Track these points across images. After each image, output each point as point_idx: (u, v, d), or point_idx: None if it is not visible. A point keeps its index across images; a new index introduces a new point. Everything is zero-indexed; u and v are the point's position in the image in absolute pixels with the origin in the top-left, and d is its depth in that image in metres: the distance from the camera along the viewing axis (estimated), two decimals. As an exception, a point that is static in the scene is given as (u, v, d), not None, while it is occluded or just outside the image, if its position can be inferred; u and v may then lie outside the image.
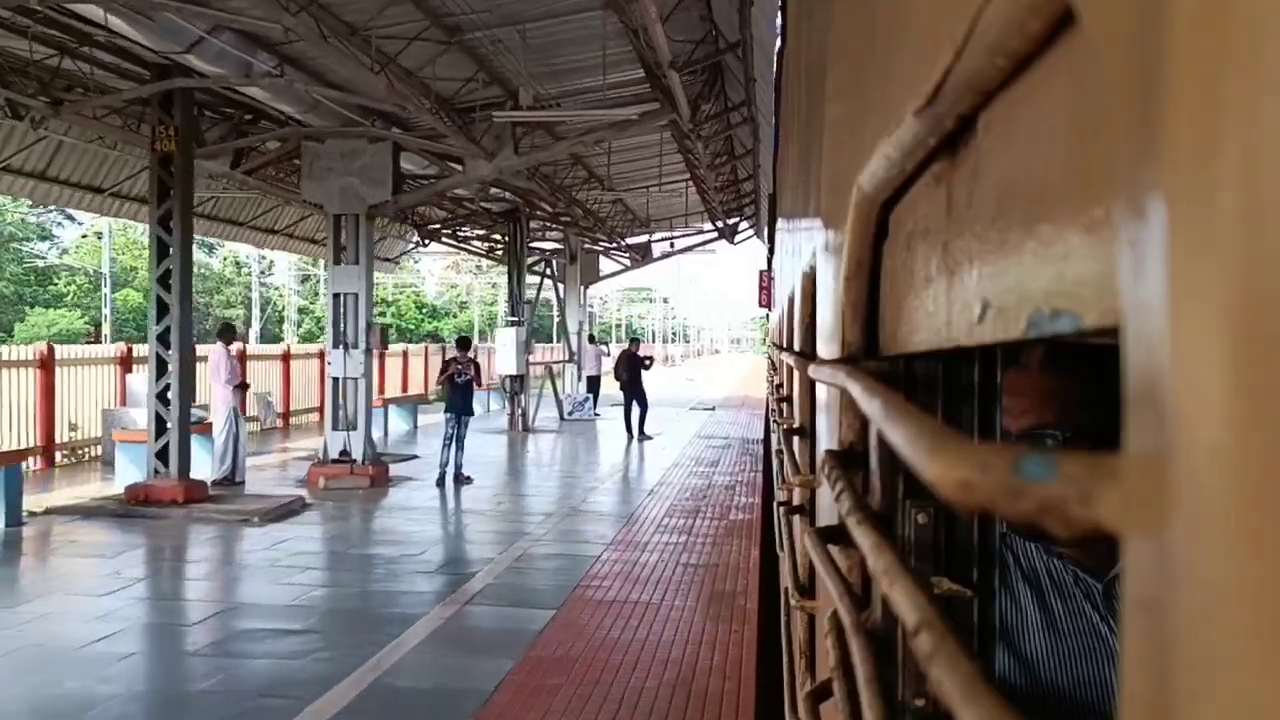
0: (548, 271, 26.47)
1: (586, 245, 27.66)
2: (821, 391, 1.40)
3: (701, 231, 29.06)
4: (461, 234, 25.37)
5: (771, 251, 12.35)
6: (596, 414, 23.86)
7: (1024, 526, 1.49)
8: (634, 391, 19.22)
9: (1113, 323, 0.29)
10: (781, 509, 2.59)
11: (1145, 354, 0.23)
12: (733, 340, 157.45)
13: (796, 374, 2.14)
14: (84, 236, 50.91)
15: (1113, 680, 1.42)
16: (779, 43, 5.64)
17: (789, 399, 2.84)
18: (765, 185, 18.66)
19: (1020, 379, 1.41)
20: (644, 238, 29.33)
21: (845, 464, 0.93)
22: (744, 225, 29.10)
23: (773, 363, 6.65)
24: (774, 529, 3.79)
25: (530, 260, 25.73)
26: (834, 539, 0.95)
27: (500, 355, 20.62)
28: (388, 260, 27.38)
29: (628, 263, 30.29)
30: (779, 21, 5.51)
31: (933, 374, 1.05)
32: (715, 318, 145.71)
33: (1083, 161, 0.34)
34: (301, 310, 60.72)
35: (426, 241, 25.32)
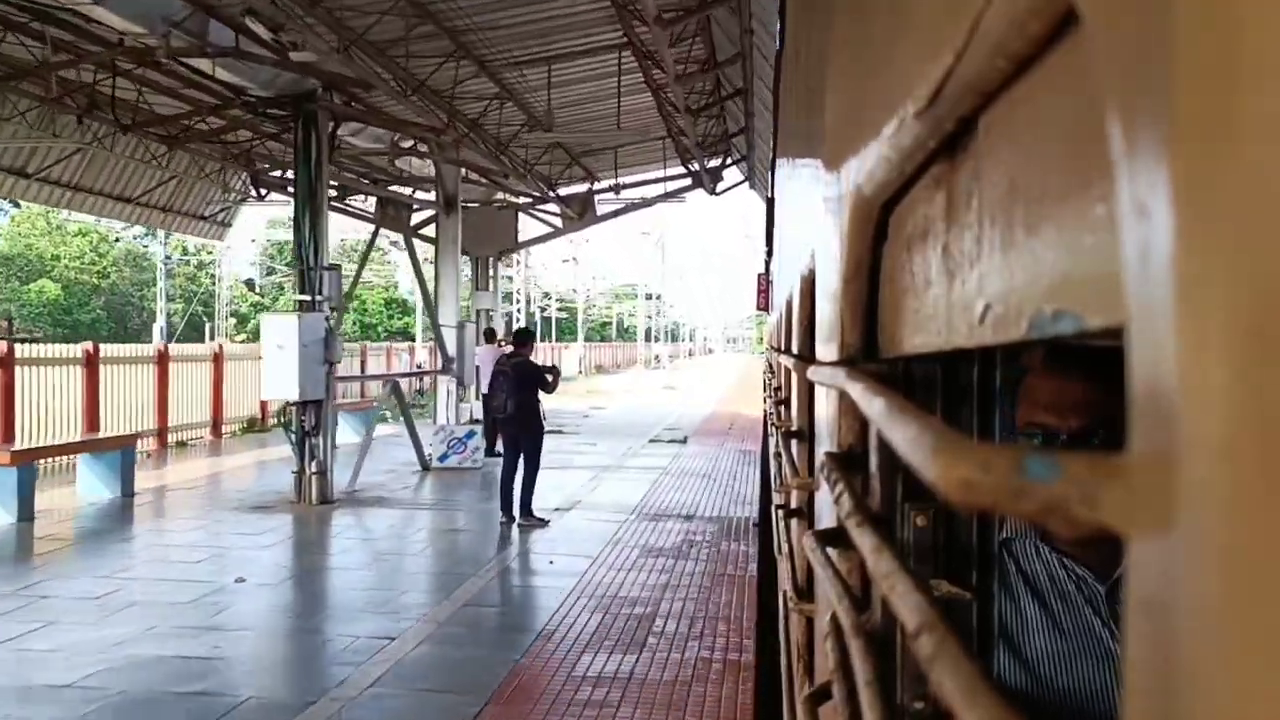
0: (377, 217, 16.76)
1: (500, 199, 19.47)
2: (820, 394, 1.40)
3: (666, 179, 20.23)
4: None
5: (770, 254, 12.31)
6: (498, 454, 12.33)
7: (1032, 526, 1.49)
8: (522, 432, 10.07)
9: (1116, 323, 0.29)
10: (780, 512, 2.59)
11: (1150, 354, 0.23)
12: (729, 340, 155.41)
13: (795, 376, 2.14)
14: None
15: (1113, 684, 1.42)
16: (777, 45, 5.65)
17: (787, 401, 2.84)
18: (763, 190, 16.13)
19: (1065, 384, 1.40)
20: (583, 186, 20.10)
21: (844, 466, 0.93)
22: (731, 166, 20.57)
23: (771, 366, 6.65)
24: (772, 532, 3.78)
25: (417, 225, 17.25)
26: (833, 541, 0.95)
27: (270, 364, 11.00)
28: (202, 219, 18.85)
29: (558, 222, 20.57)
30: (777, 24, 5.51)
31: (932, 376, 1.05)
32: (710, 315, 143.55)
33: (1086, 162, 0.34)
34: (257, 306, 56.64)
35: (261, 192, 16.94)
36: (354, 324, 61.99)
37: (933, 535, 0.89)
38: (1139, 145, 0.24)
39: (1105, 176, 0.32)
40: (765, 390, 6.93)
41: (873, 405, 0.53)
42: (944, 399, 1.07)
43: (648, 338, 77.10)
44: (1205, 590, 0.21)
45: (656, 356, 79.52)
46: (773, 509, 3.69)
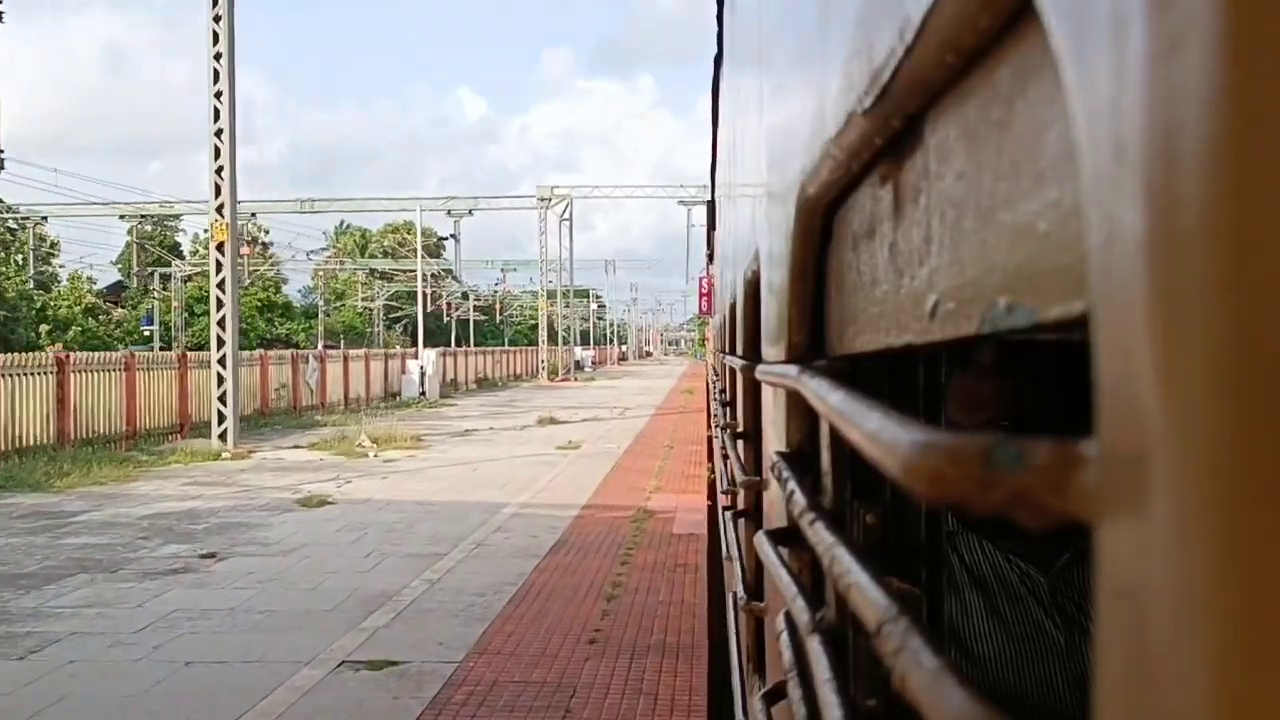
0: None
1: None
2: (767, 395, 1.41)
3: None
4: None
5: (711, 258, 12.34)
6: None
7: (974, 519, 1.52)
8: None
9: (1076, 314, 0.29)
10: (728, 514, 2.60)
11: (1118, 342, 0.23)
12: (669, 343, 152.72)
13: (741, 377, 2.15)
14: None
15: (1057, 673, 1.44)
16: (715, 50, 5.68)
17: (733, 403, 2.85)
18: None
19: (977, 383, 1.47)
20: None
21: (795, 465, 0.93)
22: None
23: (715, 369, 6.66)
24: (721, 536, 3.80)
25: None
26: (785, 540, 0.96)
27: None
28: None
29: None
30: (715, 30, 5.54)
31: (879, 376, 1.06)
32: (651, 319, 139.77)
33: (1039, 155, 0.35)
34: (91, 311, 49.64)
35: None
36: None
37: (882, 533, 0.90)
38: (1104, 136, 0.24)
39: (1063, 169, 0.32)
40: (715, 420, 5.06)
41: (829, 402, 0.53)
42: (891, 399, 1.08)
43: (554, 339, 53.82)
44: (1178, 576, 0.21)
45: (576, 364, 61.50)
46: (720, 511, 3.70)
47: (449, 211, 47.84)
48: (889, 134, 0.61)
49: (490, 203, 49.93)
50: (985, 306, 0.43)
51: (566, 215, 52.09)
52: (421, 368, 33.75)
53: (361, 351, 32.81)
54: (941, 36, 0.43)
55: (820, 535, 0.60)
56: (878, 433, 0.35)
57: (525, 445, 19.04)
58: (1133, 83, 0.22)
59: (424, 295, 41.30)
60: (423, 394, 32.94)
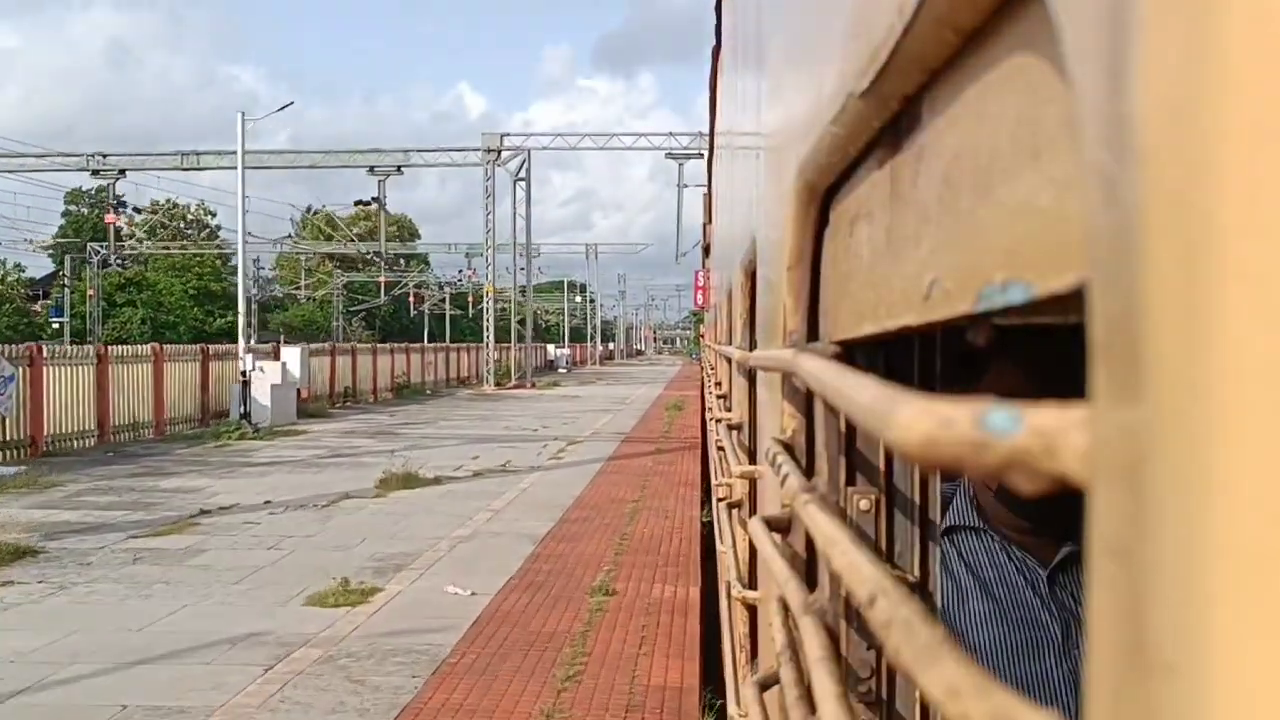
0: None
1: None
2: (763, 382, 1.41)
3: None
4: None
5: (707, 251, 12.35)
6: None
7: (978, 511, 1.53)
8: None
9: (1073, 284, 0.29)
10: (722, 504, 2.61)
11: (1115, 306, 0.23)
12: (663, 341, 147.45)
13: (735, 370, 2.15)
14: None
15: (1052, 662, 1.45)
16: (714, 41, 5.67)
17: (728, 395, 2.86)
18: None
19: (1002, 370, 1.46)
20: None
21: (790, 451, 0.93)
22: None
23: (711, 365, 6.66)
24: (714, 528, 3.80)
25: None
26: (779, 527, 0.96)
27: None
28: None
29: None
30: (713, 20, 5.54)
31: (874, 361, 1.07)
32: (643, 315, 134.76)
33: (1036, 130, 0.35)
34: (7, 302, 44.07)
35: None
36: (142, 320, 47.25)
37: (875, 519, 0.90)
38: (1102, 113, 0.24)
39: (1058, 145, 0.32)
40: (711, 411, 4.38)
41: (822, 379, 0.53)
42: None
43: (503, 336, 40.30)
44: (1172, 538, 0.21)
45: (551, 364, 53.58)
46: (714, 502, 3.70)
47: (371, 170, 35.24)
48: (886, 116, 0.61)
49: (424, 157, 36.42)
50: (982, 284, 0.43)
51: (522, 174, 37.90)
52: (243, 374, 20.79)
53: (148, 348, 20.17)
54: (940, 13, 0.43)
55: (814, 518, 0.60)
56: (871, 402, 0.35)
57: (237, 603, 7.02)
58: (1132, 59, 0.22)
59: (245, 279, 23.42)
60: (244, 417, 20.00)
